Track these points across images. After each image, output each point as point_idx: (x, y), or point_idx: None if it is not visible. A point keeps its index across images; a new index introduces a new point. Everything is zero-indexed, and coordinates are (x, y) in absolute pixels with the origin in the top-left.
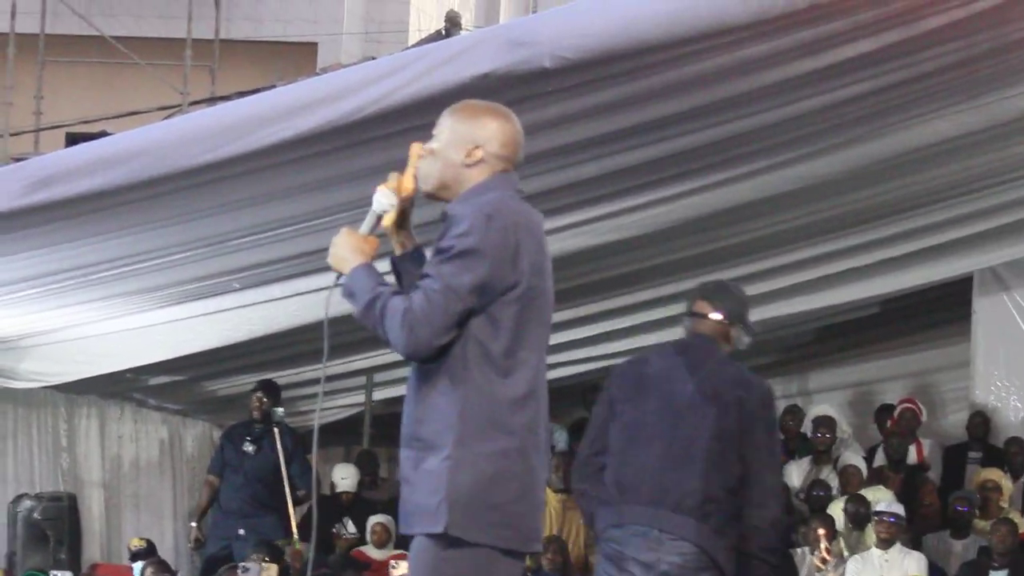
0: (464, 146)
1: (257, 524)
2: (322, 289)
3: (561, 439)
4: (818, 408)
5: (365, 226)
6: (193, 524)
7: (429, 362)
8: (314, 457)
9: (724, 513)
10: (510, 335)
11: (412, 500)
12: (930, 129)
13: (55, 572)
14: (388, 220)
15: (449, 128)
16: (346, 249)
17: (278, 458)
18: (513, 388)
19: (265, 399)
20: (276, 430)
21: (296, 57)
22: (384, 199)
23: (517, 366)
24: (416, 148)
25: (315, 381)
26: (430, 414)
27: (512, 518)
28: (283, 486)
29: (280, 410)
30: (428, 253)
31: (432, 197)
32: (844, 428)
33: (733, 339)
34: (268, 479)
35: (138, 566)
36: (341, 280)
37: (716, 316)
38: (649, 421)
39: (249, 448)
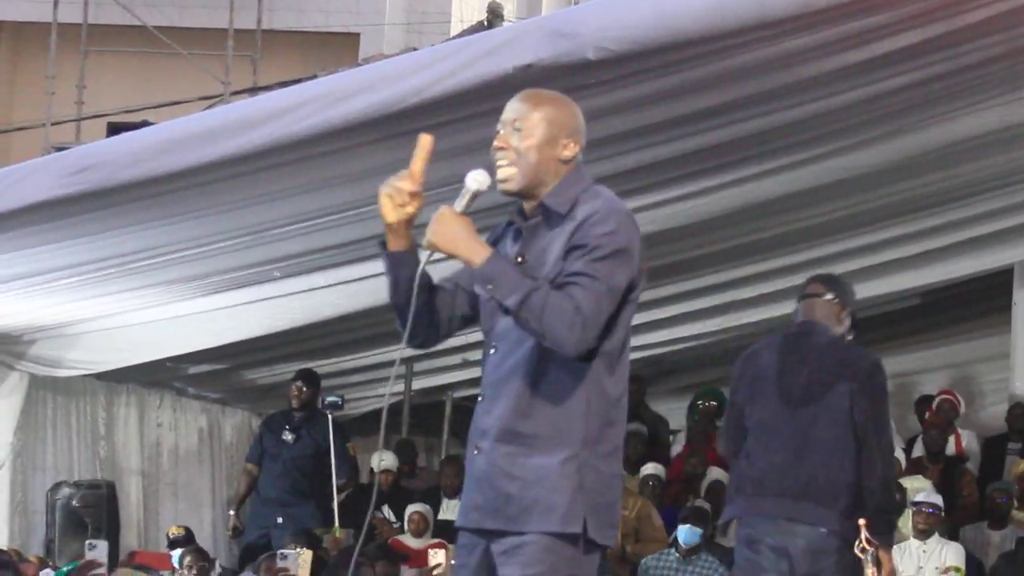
0: (560, 140)
1: (296, 513)
2: (365, 278)
3: None
4: None
5: (460, 204)
6: (231, 512)
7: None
8: (380, 440)
9: (851, 495)
10: (623, 333)
11: (525, 496)
12: (973, 121)
13: (90, 541)
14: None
15: (544, 120)
16: (461, 230)
17: (317, 446)
18: (619, 385)
19: (305, 388)
20: (329, 415)
21: (338, 48)
22: (480, 176)
23: (622, 363)
24: (426, 140)
25: (355, 370)
26: (542, 410)
27: (616, 518)
28: (321, 474)
29: (334, 398)
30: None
31: (517, 195)
32: None
33: (842, 322)
34: (307, 467)
35: (176, 553)
36: (478, 269)
37: (829, 296)
38: (770, 416)
39: (288, 437)
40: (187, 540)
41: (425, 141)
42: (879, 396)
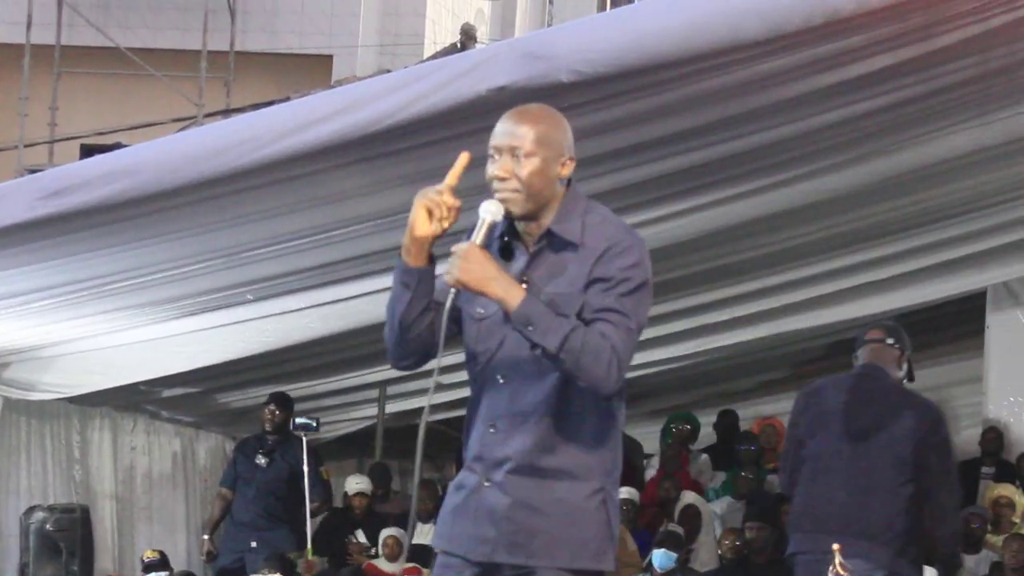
0: (559, 159)
1: (269, 537)
2: (338, 301)
3: None
4: None
5: (478, 238)
6: (205, 537)
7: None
8: (419, 448)
9: (905, 536)
10: None
11: (555, 531)
12: (946, 144)
13: None
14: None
15: (542, 144)
16: (492, 270)
17: (291, 470)
18: (624, 413)
19: (278, 411)
20: (303, 437)
21: (311, 69)
22: (493, 207)
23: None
24: (465, 157)
25: (329, 393)
26: (567, 445)
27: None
28: (295, 498)
29: (306, 420)
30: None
31: (523, 219)
32: None
33: (902, 367)
34: (281, 491)
35: None
36: (516, 311)
37: (890, 342)
38: (832, 453)
39: (261, 461)
40: (162, 564)
41: (464, 158)
42: (946, 448)
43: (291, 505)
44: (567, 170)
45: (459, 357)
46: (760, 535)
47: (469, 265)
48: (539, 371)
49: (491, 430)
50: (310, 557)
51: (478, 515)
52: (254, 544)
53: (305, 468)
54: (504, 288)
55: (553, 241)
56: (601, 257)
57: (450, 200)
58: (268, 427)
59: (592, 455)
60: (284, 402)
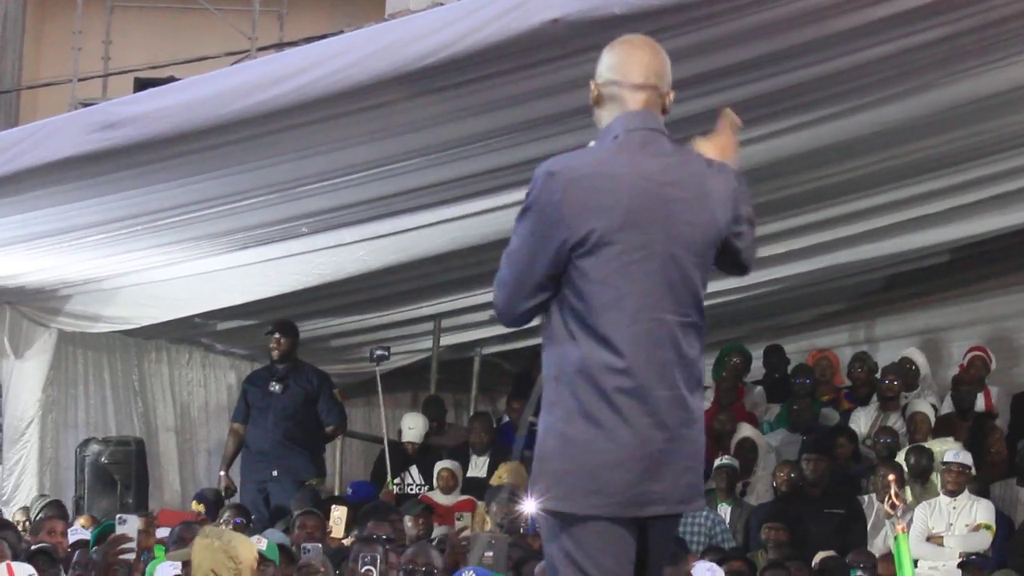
0: (594, 83)
1: (290, 464)
2: (392, 234)
3: None
4: (904, 351)
5: None
6: (222, 473)
7: (515, 326)
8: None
9: None
10: (581, 291)
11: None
12: (1002, 76)
13: (120, 515)
14: None
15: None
16: None
17: (306, 395)
18: (589, 346)
19: (283, 339)
20: (312, 369)
21: (365, 2)
22: None
23: (597, 323)
24: (728, 115)
25: (384, 326)
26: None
27: (599, 483)
28: (312, 422)
29: (381, 351)
30: None
31: None
32: (926, 375)
33: None
34: (299, 415)
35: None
36: None
37: None
38: None
39: (276, 387)
40: (219, 499)
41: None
42: None
43: (309, 429)
44: (592, 98)
45: None
46: (818, 467)
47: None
48: None
49: None
50: (391, 486)
51: None
52: (275, 472)
53: (321, 391)
54: None
55: None
56: None
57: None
58: (276, 355)
59: (541, 387)
60: (289, 329)
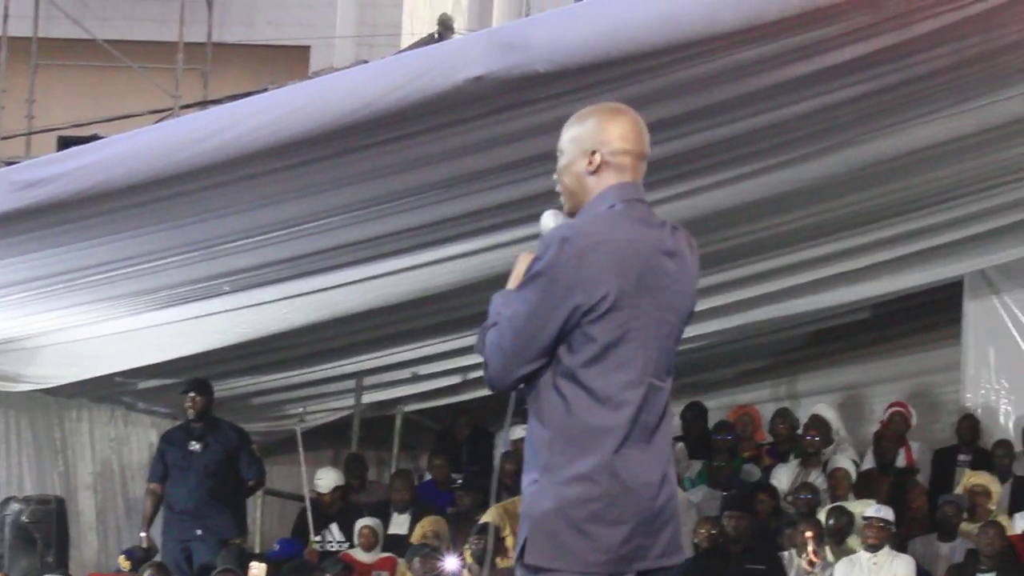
0: (585, 154)
1: (214, 523)
2: (314, 292)
3: None
4: (814, 408)
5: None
6: (142, 534)
7: (504, 391)
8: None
9: None
10: (588, 354)
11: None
12: (922, 133)
13: None
14: None
15: (569, 140)
16: (513, 273)
17: (226, 452)
18: (595, 411)
19: (199, 398)
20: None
21: (289, 61)
22: (552, 221)
23: (600, 387)
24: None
25: (304, 384)
26: (528, 437)
27: (593, 544)
28: (234, 481)
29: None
30: None
31: (573, 215)
32: (839, 430)
33: None
34: (221, 473)
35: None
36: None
37: None
38: None
39: (196, 447)
40: (146, 556)
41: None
42: None
43: (232, 486)
44: (593, 165)
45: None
46: (739, 524)
47: (515, 268)
48: None
49: None
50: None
51: None
52: (199, 531)
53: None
54: (508, 285)
55: None
56: None
57: None
58: (192, 414)
59: (533, 447)
60: (203, 388)
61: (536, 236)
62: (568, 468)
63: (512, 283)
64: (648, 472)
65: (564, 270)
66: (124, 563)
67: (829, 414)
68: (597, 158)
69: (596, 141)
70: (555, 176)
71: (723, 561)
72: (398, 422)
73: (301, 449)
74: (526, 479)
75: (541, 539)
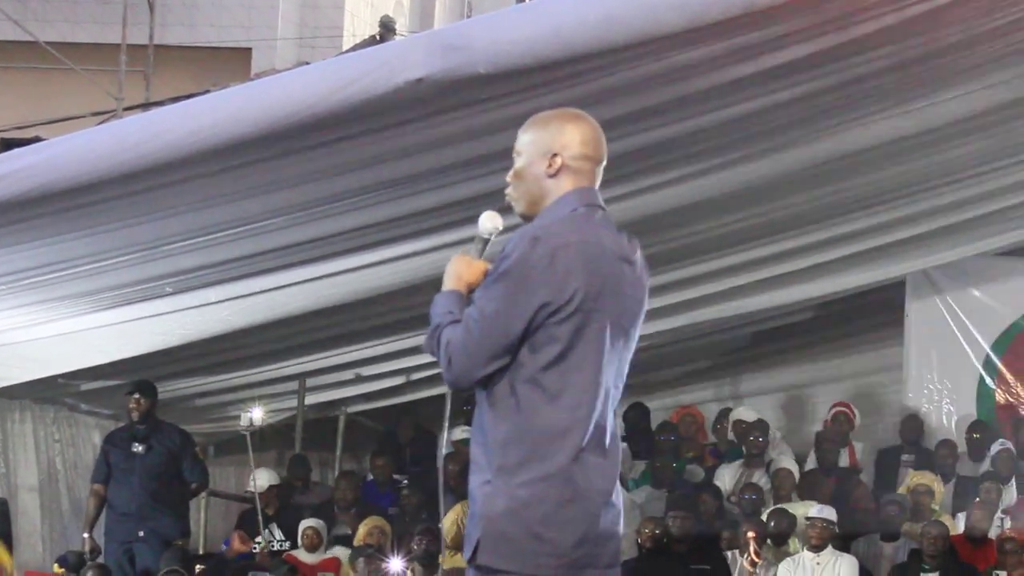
0: (544, 157)
1: (157, 525)
2: (257, 293)
3: None
4: (742, 412)
5: (473, 251)
6: (85, 535)
7: (464, 391)
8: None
9: None
10: (550, 356)
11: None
12: (864, 134)
13: None
14: None
15: (527, 143)
16: (448, 274)
17: (169, 454)
18: (557, 415)
19: (143, 400)
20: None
21: (230, 63)
22: (489, 223)
23: (564, 390)
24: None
25: (247, 386)
26: (474, 437)
27: (548, 547)
28: (177, 482)
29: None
30: None
31: (527, 218)
32: (774, 431)
33: None
34: (164, 475)
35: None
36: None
37: None
38: None
39: (139, 448)
40: (81, 561)
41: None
42: None
43: (175, 488)
44: (553, 168)
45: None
46: (684, 524)
47: (446, 269)
48: None
49: None
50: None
51: None
52: (142, 533)
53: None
54: (444, 286)
55: None
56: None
57: None
58: (136, 416)
59: (486, 448)
60: (148, 390)
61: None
62: (523, 470)
63: (448, 285)
64: (603, 479)
65: (535, 269)
66: (58, 570)
67: (749, 416)
68: (558, 161)
69: (558, 144)
70: (508, 177)
71: (668, 561)
72: (341, 423)
73: (251, 452)
74: (477, 479)
75: (494, 541)
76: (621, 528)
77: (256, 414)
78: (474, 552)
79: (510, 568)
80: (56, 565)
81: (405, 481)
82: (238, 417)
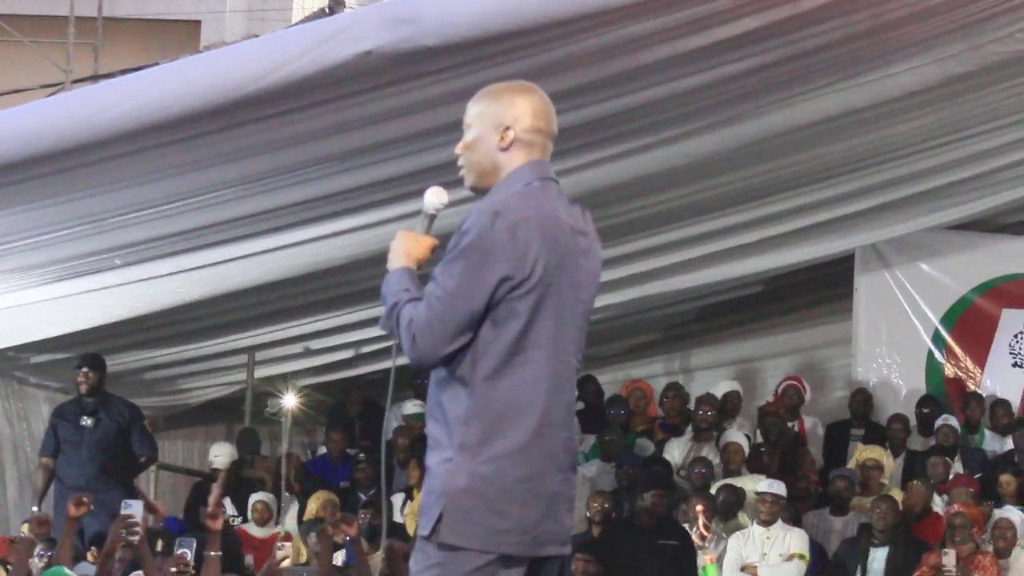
0: (496, 130)
1: (105, 498)
2: (206, 266)
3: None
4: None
5: (419, 227)
6: (35, 509)
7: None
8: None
9: None
10: (518, 335)
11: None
12: (813, 107)
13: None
14: None
15: (478, 115)
16: (395, 251)
17: (118, 428)
18: (510, 390)
19: (91, 373)
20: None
21: (179, 35)
22: (435, 198)
23: (520, 365)
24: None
25: (196, 359)
26: (429, 413)
27: (514, 522)
28: (126, 456)
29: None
30: None
31: (477, 191)
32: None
33: None
34: (113, 449)
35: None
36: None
37: None
38: None
39: (88, 422)
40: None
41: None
42: None
43: (123, 462)
44: (505, 141)
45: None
46: (661, 502)
47: (390, 251)
48: None
49: None
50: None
51: None
52: (92, 507)
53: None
54: (391, 264)
55: None
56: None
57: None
58: (84, 389)
59: (446, 427)
60: (96, 363)
61: None
62: (485, 447)
63: (397, 262)
64: (565, 453)
65: (496, 243)
66: (27, 530)
67: (735, 388)
68: (510, 134)
69: (510, 117)
70: (458, 149)
71: (635, 536)
72: (290, 397)
73: (285, 436)
74: (436, 457)
75: (456, 517)
76: (574, 505)
77: (288, 401)
78: (434, 528)
79: (472, 545)
80: (26, 525)
81: (362, 455)
82: (188, 391)
